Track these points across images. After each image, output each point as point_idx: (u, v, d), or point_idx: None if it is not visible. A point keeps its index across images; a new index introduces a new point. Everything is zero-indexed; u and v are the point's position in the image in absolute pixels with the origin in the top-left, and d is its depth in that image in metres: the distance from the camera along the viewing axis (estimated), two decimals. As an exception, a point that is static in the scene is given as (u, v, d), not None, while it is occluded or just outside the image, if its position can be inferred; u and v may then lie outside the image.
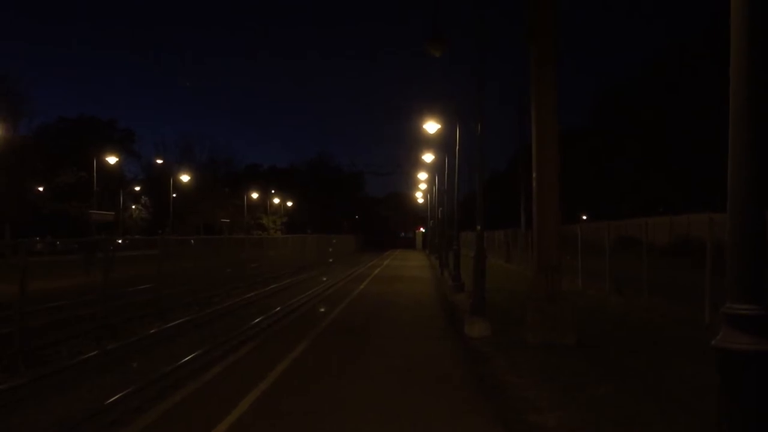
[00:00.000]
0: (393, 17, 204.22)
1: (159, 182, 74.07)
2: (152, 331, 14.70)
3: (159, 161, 76.21)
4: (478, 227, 15.05)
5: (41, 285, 17.03)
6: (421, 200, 79.30)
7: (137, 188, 79.60)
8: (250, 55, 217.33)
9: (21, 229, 45.52)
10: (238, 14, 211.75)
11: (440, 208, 42.07)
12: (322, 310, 17.77)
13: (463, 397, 8.11)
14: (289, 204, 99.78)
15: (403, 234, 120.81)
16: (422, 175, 54.46)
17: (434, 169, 43.08)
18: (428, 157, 37.27)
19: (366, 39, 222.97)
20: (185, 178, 71.75)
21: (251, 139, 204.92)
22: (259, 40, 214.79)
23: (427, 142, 33.65)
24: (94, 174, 55.56)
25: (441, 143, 30.50)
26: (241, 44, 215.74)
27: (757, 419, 3.59)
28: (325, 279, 31.31)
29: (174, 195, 69.48)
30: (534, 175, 11.21)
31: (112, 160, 59.28)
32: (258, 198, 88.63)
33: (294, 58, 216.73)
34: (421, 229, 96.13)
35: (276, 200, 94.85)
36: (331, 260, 49.43)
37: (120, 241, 34.86)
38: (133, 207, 77.79)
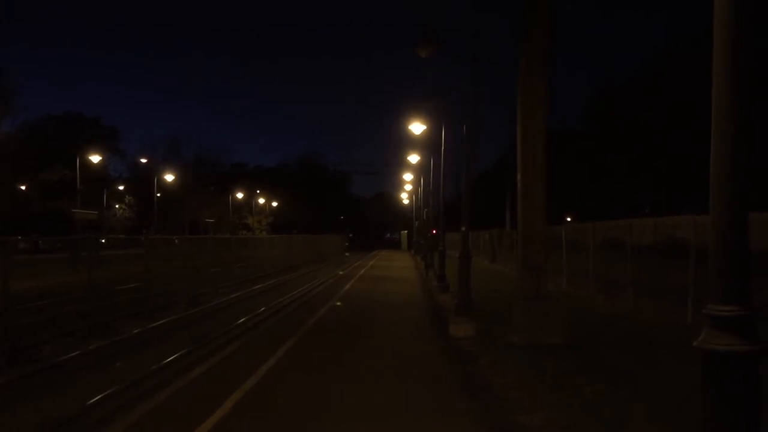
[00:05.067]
0: (388, 18, 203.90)
1: (144, 181, 73.53)
2: (138, 331, 14.63)
3: (143, 160, 75.63)
4: (463, 228, 15.12)
5: (25, 284, 16.90)
6: (406, 201, 79.29)
7: (121, 187, 78.99)
8: (243, 54, 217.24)
9: (5, 226, 45.06)
10: (231, 14, 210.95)
11: (426, 209, 42.09)
12: (308, 309, 17.76)
13: (451, 397, 8.15)
14: (275, 204, 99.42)
15: (388, 234, 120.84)
16: (408, 176, 54.43)
17: (420, 170, 43.11)
18: (414, 158, 37.30)
19: (360, 39, 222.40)
20: (170, 177, 71.24)
21: (242, 140, 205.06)
22: (252, 39, 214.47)
23: (414, 143, 33.65)
24: (77, 172, 55.05)
25: (428, 144, 30.47)
26: (234, 43, 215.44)
27: (739, 419, 3.64)
28: (311, 279, 31.26)
29: (158, 194, 69.00)
30: (519, 175, 11.26)
31: (95, 158, 58.76)
32: (243, 197, 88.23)
33: (287, 56, 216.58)
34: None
35: (261, 200, 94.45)
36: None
37: (103, 240, 34.58)
38: (117, 206, 77.16)
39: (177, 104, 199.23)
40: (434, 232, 32.84)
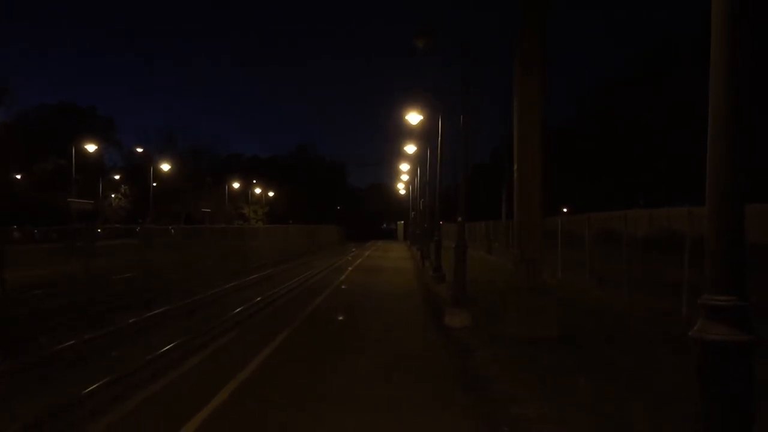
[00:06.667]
0: (388, 18, 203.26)
1: (140, 171, 73.42)
2: (134, 320, 14.60)
3: (139, 150, 75.48)
4: (459, 219, 15.13)
5: (21, 273, 16.89)
6: (403, 191, 79.29)
7: (117, 177, 78.83)
8: (243, 53, 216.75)
9: (0, 216, 44.97)
10: (231, 14, 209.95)
11: (422, 200, 42.10)
12: (304, 300, 17.77)
13: (446, 389, 8.18)
14: (271, 194, 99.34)
15: (385, 225, 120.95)
16: (404, 167, 54.40)
17: (416, 161, 43.08)
18: (410, 149, 37.27)
19: (360, 39, 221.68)
20: (166, 167, 71.11)
21: (241, 140, 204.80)
22: (252, 39, 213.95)
23: (411, 134, 33.62)
24: (73, 162, 54.92)
25: (424, 135, 30.49)
26: (234, 43, 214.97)
27: (733, 408, 3.65)
28: (307, 269, 31.26)
29: (155, 184, 68.88)
30: (516, 171, 11.25)
31: (91, 147, 58.62)
32: (239, 188, 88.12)
33: (287, 56, 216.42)
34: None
35: (257, 190, 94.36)
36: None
37: (99, 230, 34.56)
38: (113, 196, 77.01)
39: (176, 104, 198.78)
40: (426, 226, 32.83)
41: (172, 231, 31.90)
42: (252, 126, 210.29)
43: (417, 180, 48.16)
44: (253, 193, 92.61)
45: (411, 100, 25.14)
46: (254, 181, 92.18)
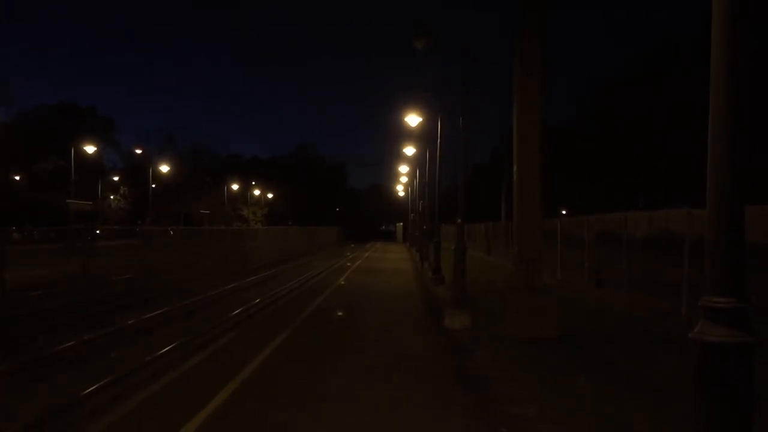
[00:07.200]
0: (388, 18, 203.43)
1: (139, 171, 73.36)
2: (133, 321, 14.60)
3: (139, 151, 75.40)
4: (459, 220, 15.14)
5: (20, 274, 16.89)
6: (402, 193, 79.24)
7: (116, 178, 78.77)
8: (243, 53, 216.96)
9: (1, 217, 44.93)
10: (230, 14, 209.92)
11: (421, 201, 42.12)
12: (304, 301, 17.76)
13: (446, 389, 8.18)
14: (270, 196, 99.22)
15: (384, 227, 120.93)
16: (404, 168, 54.34)
17: (416, 162, 43.04)
18: (410, 150, 37.24)
19: (360, 39, 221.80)
20: (165, 167, 71.05)
21: (241, 140, 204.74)
22: (252, 39, 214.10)
23: (410, 135, 33.58)
24: (72, 162, 54.91)
25: (424, 136, 30.47)
26: (233, 43, 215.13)
27: (732, 410, 3.66)
28: (306, 271, 31.26)
29: (154, 185, 68.82)
30: (515, 172, 11.26)
31: (90, 149, 58.61)
32: (239, 189, 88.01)
33: (287, 56, 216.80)
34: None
35: (257, 191, 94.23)
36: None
37: (98, 231, 34.57)
38: (112, 197, 76.93)
39: (176, 104, 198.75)
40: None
41: (171, 232, 31.93)
42: (252, 126, 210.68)
43: (416, 182, 48.17)
44: (253, 195, 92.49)
45: (411, 101, 25.12)
46: (253, 183, 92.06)
